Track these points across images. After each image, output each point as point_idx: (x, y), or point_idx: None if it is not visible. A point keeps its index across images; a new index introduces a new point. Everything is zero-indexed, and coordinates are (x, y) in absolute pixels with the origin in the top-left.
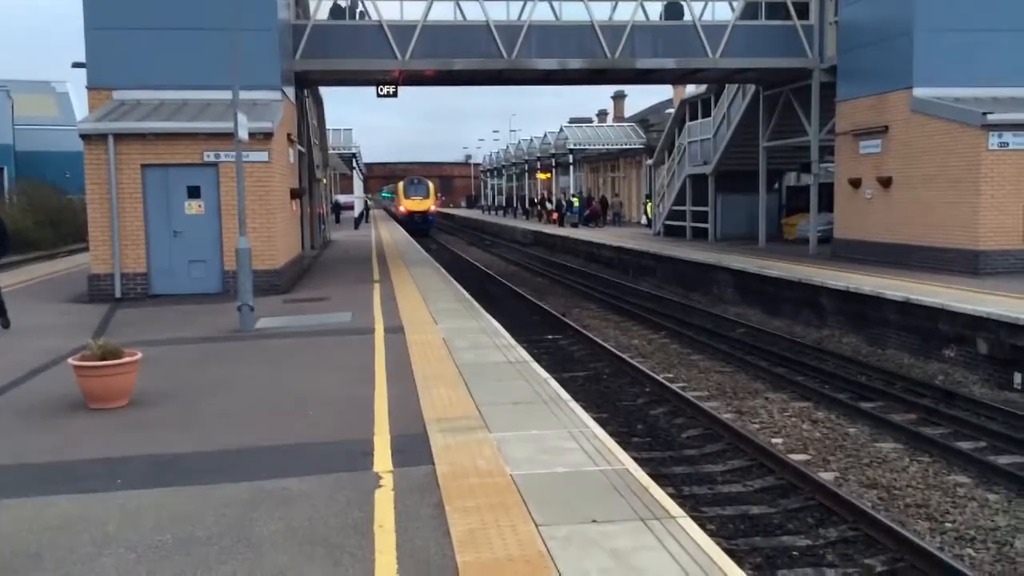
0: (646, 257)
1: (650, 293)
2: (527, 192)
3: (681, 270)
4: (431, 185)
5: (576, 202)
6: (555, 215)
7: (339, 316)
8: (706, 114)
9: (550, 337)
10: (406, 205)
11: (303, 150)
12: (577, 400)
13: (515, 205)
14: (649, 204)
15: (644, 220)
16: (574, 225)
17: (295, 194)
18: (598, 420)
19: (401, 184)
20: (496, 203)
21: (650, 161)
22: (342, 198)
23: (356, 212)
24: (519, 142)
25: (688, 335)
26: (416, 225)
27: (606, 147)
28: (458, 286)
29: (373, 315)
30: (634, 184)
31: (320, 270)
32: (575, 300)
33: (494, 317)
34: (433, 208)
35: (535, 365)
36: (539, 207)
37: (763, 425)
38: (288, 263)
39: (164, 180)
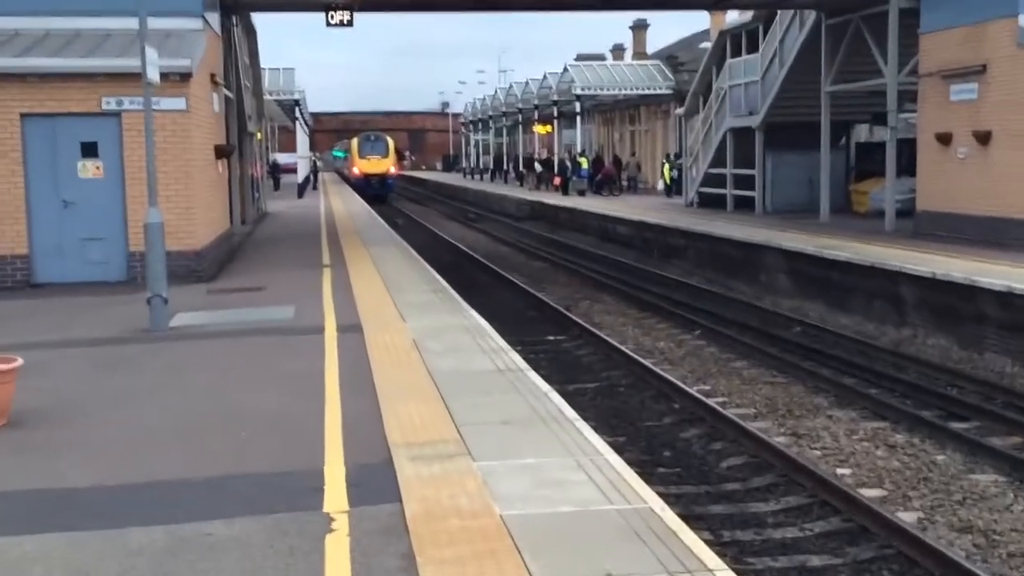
0: (674, 235)
1: (680, 281)
2: (521, 151)
3: (720, 251)
4: (390, 142)
5: (584, 163)
6: (557, 180)
7: (279, 311)
8: (752, 49)
9: (551, 338)
10: (360, 166)
11: (231, 96)
12: (586, 419)
13: (506, 167)
14: (667, 167)
15: (661, 186)
16: (581, 193)
17: (222, 153)
18: (613, 445)
19: (355, 141)
20: (481, 165)
21: (680, 110)
22: (282, 158)
23: (300, 176)
24: (511, 86)
25: (728, 335)
26: (373, 190)
27: (623, 92)
28: (433, 272)
29: (323, 309)
30: (659, 140)
31: (254, 251)
32: (583, 290)
33: (479, 312)
34: (393, 170)
35: (532, 374)
36: (531, 170)
37: (826, 451)
38: (213, 242)
39: (51, 134)
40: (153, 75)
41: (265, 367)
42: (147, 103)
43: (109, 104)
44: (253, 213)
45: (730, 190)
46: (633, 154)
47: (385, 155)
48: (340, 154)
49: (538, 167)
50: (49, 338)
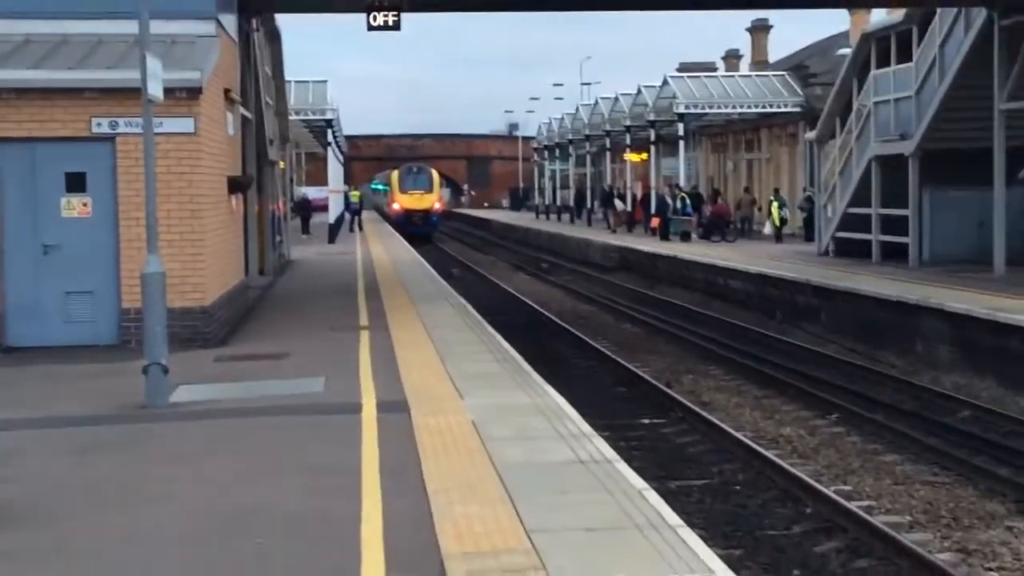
0: (805, 291)
1: (811, 350)
2: (610, 182)
3: (863, 313)
4: (435, 175)
5: (686, 200)
6: (655, 221)
7: (305, 384)
8: (905, 58)
9: (647, 421)
10: (402, 202)
11: (249, 116)
12: (692, 526)
13: (590, 205)
14: (775, 205)
15: (768, 230)
16: (684, 237)
17: (237, 186)
18: (727, 560)
19: (395, 173)
20: (559, 201)
21: (811, 134)
22: (311, 192)
23: (332, 214)
24: (596, 103)
25: (875, 420)
26: (415, 228)
27: (738, 110)
28: (497, 336)
29: (359, 383)
30: (783, 171)
31: (275, 309)
32: (687, 361)
33: (555, 387)
34: (438, 206)
35: (623, 467)
36: (610, 207)
37: (1004, 574)
38: (224, 297)
39: (29, 163)
40: (155, 90)
41: (288, 456)
42: (147, 125)
43: (101, 126)
44: (274, 261)
45: (876, 235)
46: (746, 189)
47: (429, 189)
48: (379, 187)
49: (619, 204)
50: (23, 416)
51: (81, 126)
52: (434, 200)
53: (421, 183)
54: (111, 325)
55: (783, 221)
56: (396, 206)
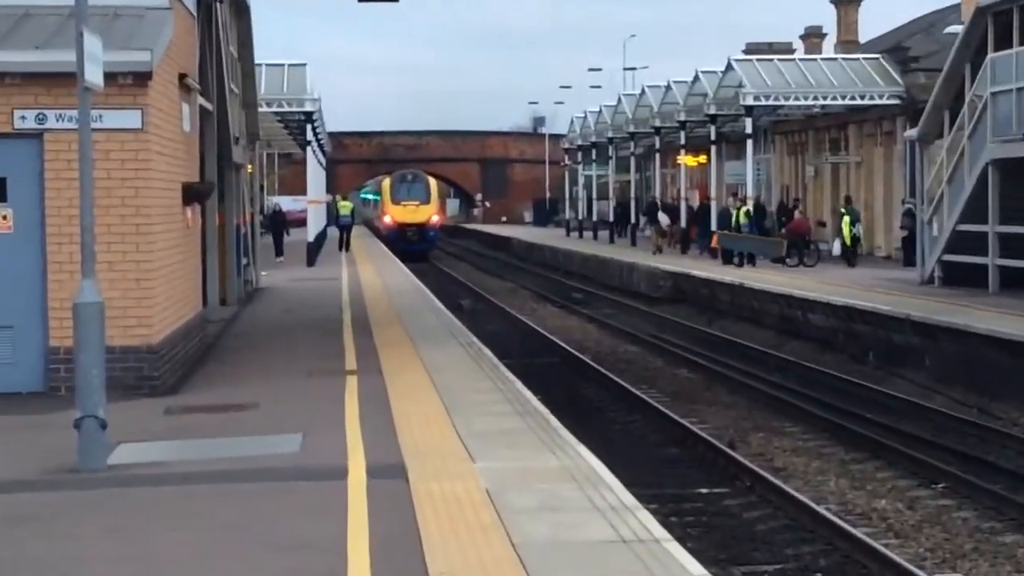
0: (903, 328)
1: (912, 403)
2: (655, 193)
3: (977, 357)
4: (432, 183)
5: (748, 214)
6: (714, 240)
7: (277, 442)
8: None
9: (704, 491)
10: (394, 214)
11: (210, 107)
12: None
13: (634, 220)
14: (846, 219)
15: (837, 249)
16: (744, 261)
17: (193, 195)
18: None
19: (387, 182)
20: (595, 215)
21: (912, 132)
22: (285, 202)
23: (311, 231)
24: (643, 92)
25: (992, 491)
26: (409, 245)
27: (820, 102)
28: (518, 384)
29: (345, 441)
30: (877, 176)
31: (240, 348)
32: (755, 415)
33: (590, 447)
34: (436, 219)
35: (675, 548)
36: (654, 222)
37: None
38: (177, 333)
39: None
40: (94, 76)
41: (255, 533)
42: (83, 118)
43: (25, 120)
44: (239, 288)
45: (993, 259)
46: (848, 201)
47: (426, 200)
48: (370, 196)
49: (664, 218)
50: None
51: (1, 120)
52: (431, 212)
53: (416, 192)
54: (36, 368)
55: (855, 240)
56: (388, 219)
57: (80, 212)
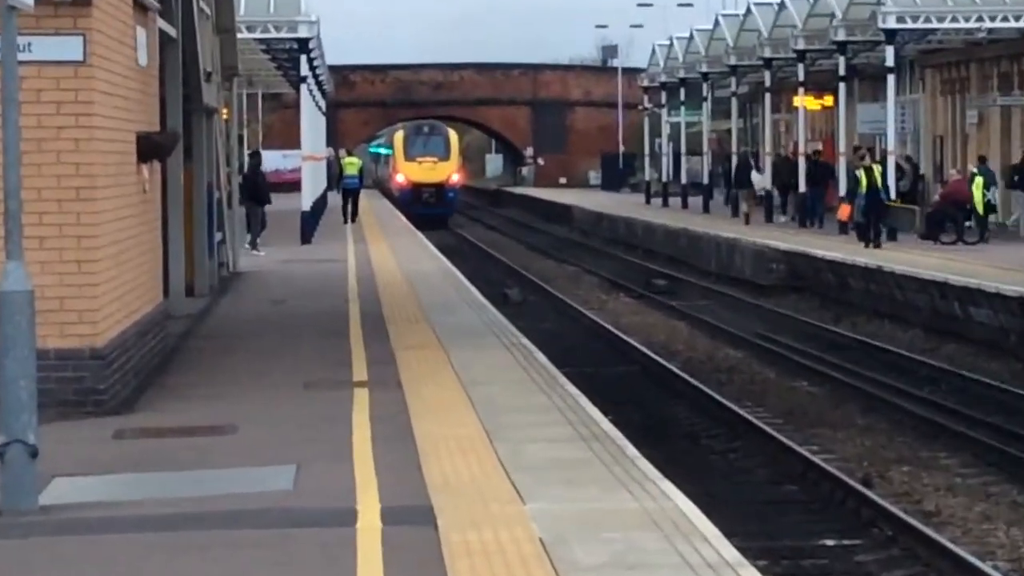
0: None
1: None
2: (766, 146)
3: None
4: (452, 137)
5: (874, 175)
6: (844, 211)
7: (263, 476)
8: None
9: (830, 543)
10: (408, 173)
11: (173, 34)
12: None
13: (728, 184)
14: (979, 182)
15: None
16: (882, 239)
17: (152, 150)
18: None
19: (399, 135)
20: (684, 176)
21: None
22: (273, 159)
23: (306, 198)
24: (748, 11)
25: None
26: (425, 209)
27: (985, 25)
28: (581, 399)
29: (353, 475)
30: None
31: (212, 352)
32: (899, 443)
33: (678, 484)
34: (456, 177)
35: None
36: (745, 186)
37: None
38: (130, 333)
39: None
40: None
41: None
42: (7, 47)
43: None
44: (211, 273)
45: None
46: (983, 159)
47: (445, 155)
48: (382, 151)
49: (757, 178)
50: None
51: None
52: (451, 170)
53: (435, 147)
54: None
55: (989, 207)
56: (401, 178)
57: (3, 171)
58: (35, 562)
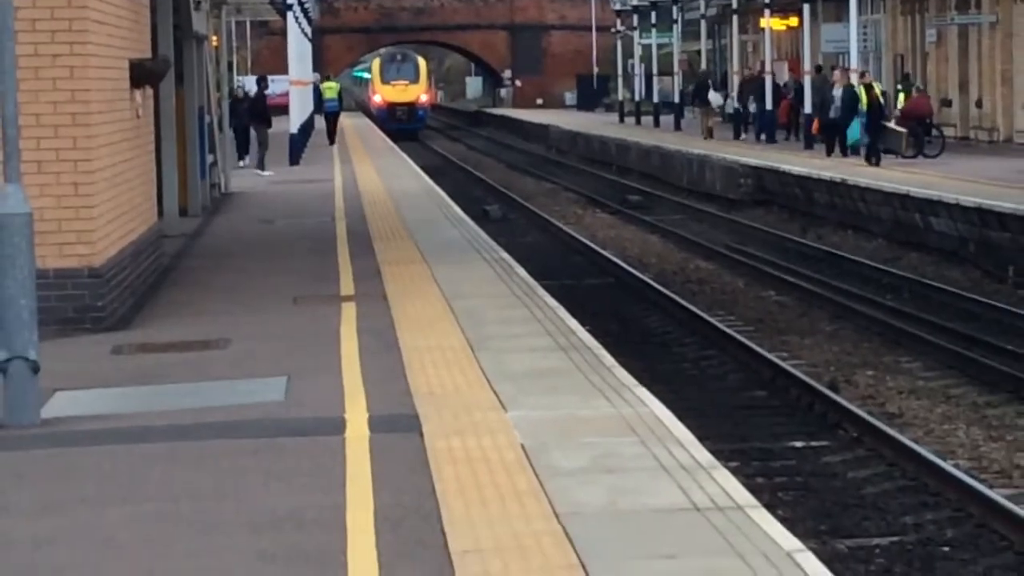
0: None
1: None
2: (733, 67)
3: None
4: (421, 63)
5: (867, 98)
6: (815, 124)
7: (255, 388)
8: None
9: (799, 445)
10: (384, 94)
11: None
12: None
13: (680, 101)
14: (902, 95)
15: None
16: (868, 159)
17: (145, 75)
18: None
19: (376, 62)
20: (656, 96)
21: None
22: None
23: (294, 121)
24: None
25: None
26: (399, 124)
27: None
28: (560, 311)
29: (341, 385)
30: (1019, 42)
31: (205, 270)
32: (864, 348)
33: (653, 390)
34: (424, 98)
35: (762, 517)
36: (703, 104)
37: None
38: (126, 252)
39: None
40: None
41: (225, 504)
42: None
43: None
44: (203, 194)
45: None
46: (863, 75)
47: (415, 79)
48: (363, 74)
49: (715, 98)
50: None
51: None
52: (420, 91)
53: (406, 72)
54: None
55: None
56: (378, 98)
57: (0, 99)
58: (37, 474)
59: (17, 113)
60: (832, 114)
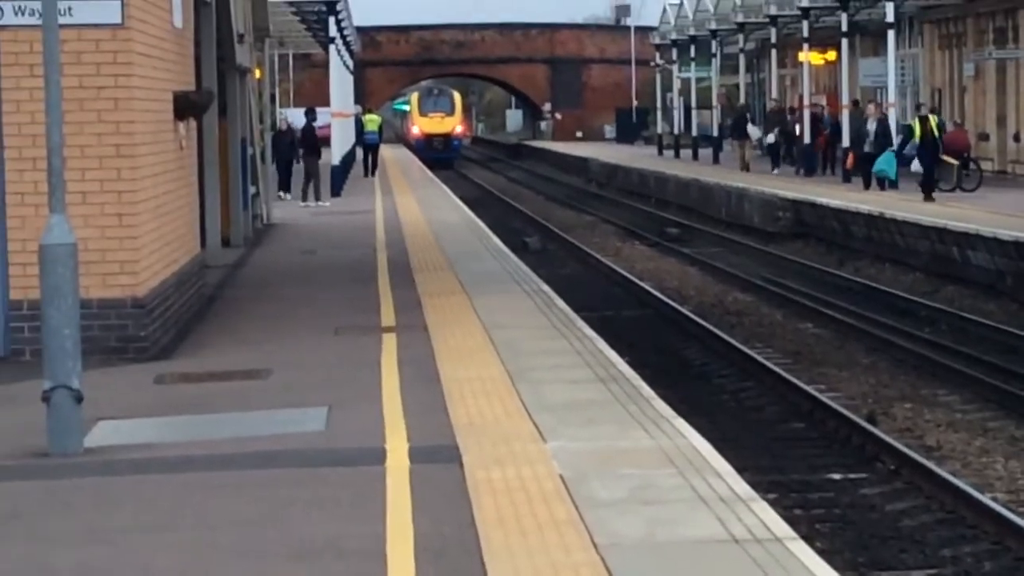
0: None
1: None
2: (744, 100)
3: None
4: (457, 98)
5: (916, 129)
6: (851, 158)
7: (296, 418)
8: None
9: (837, 477)
10: (421, 125)
11: None
12: None
13: (719, 135)
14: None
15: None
16: (888, 184)
17: (189, 108)
18: None
19: (415, 96)
20: (695, 129)
21: None
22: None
23: (336, 152)
24: None
25: None
26: (436, 154)
27: None
28: (599, 343)
29: (382, 416)
30: None
31: (247, 300)
32: (901, 381)
33: (692, 422)
34: (459, 129)
35: (801, 550)
36: (741, 136)
37: None
38: (169, 282)
39: None
40: None
41: (267, 533)
42: (49, 11)
43: None
44: (246, 225)
45: None
46: (957, 123)
47: (451, 112)
48: (405, 107)
49: (754, 131)
50: None
51: None
52: (455, 123)
53: (442, 105)
54: None
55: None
56: (416, 129)
57: (47, 130)
58: (81, 501)
59: (62, 144)
60: (867, 148)
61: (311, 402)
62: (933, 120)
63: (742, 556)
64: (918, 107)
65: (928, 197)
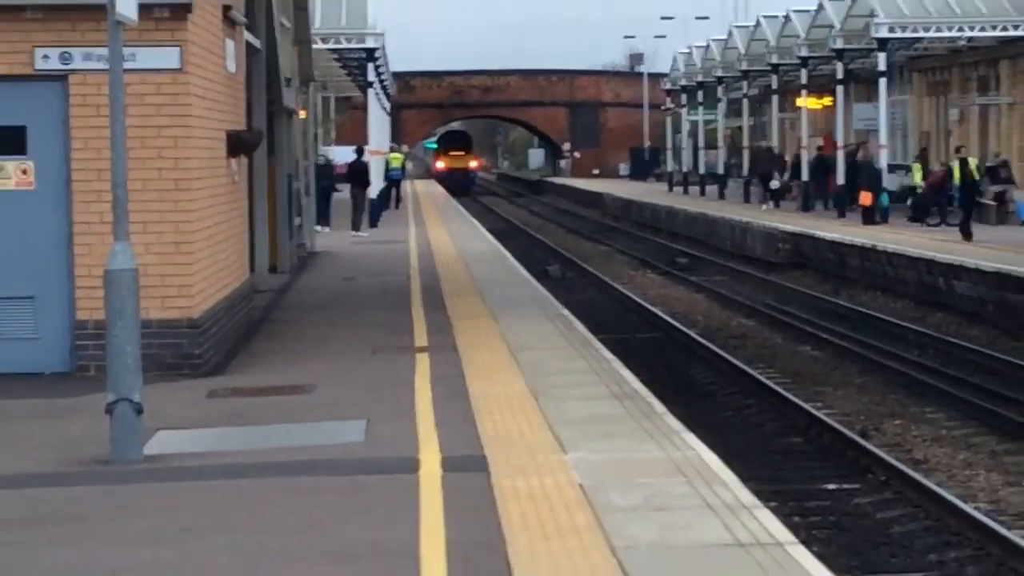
0: None
1: None
2: (776, 140)
3: None
4: (471, 139)
5: (916, 173)
6: (866, 198)
7: (337, 430)
8: None
9: (832, 487)
10: (444, 161)
11: (258, 45)
12: None
13: (748, 177)
14: (956, 166)
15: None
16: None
17: (240, 145)
18: None
19: (439, 138)
20: (702, 167)
21: None
22: (343, 152)
23: (375, 187)
24: (757, 24)
25: None
26: (456, 183)
27: (967, 33)
28: (615, 363)
29: (416, 428)
30: None
31: (293, 322)
32: (892, 399)
33: (700, 436)
34: (474, 164)
35: (799, 553)
36: (764, 175)
37: None
38: (221, 305)
39: None
40: (126, 8)
41: (311, 538)
42: (114, 58)
43: (48, 60)
44: (291, 253)
45: None
46: (997, 155)
47: (469, 150)
48: (433, 146)
49: (776, 183)
50: None
51: (20, 60)
52: (471, 159)
53: (461, 142)
54: (61, 345)
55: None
56: (440, 164)
57: (111, 165)
58: (141, 506)
59: (126, 178)
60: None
61: (351, 415)
62: (973, 163)
63: (746, 559)
64: (958, 149)
65: (966, 237)
